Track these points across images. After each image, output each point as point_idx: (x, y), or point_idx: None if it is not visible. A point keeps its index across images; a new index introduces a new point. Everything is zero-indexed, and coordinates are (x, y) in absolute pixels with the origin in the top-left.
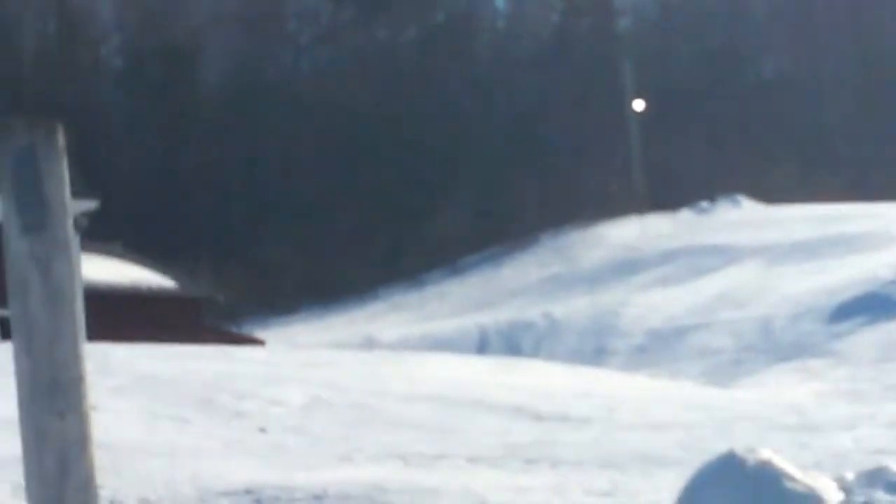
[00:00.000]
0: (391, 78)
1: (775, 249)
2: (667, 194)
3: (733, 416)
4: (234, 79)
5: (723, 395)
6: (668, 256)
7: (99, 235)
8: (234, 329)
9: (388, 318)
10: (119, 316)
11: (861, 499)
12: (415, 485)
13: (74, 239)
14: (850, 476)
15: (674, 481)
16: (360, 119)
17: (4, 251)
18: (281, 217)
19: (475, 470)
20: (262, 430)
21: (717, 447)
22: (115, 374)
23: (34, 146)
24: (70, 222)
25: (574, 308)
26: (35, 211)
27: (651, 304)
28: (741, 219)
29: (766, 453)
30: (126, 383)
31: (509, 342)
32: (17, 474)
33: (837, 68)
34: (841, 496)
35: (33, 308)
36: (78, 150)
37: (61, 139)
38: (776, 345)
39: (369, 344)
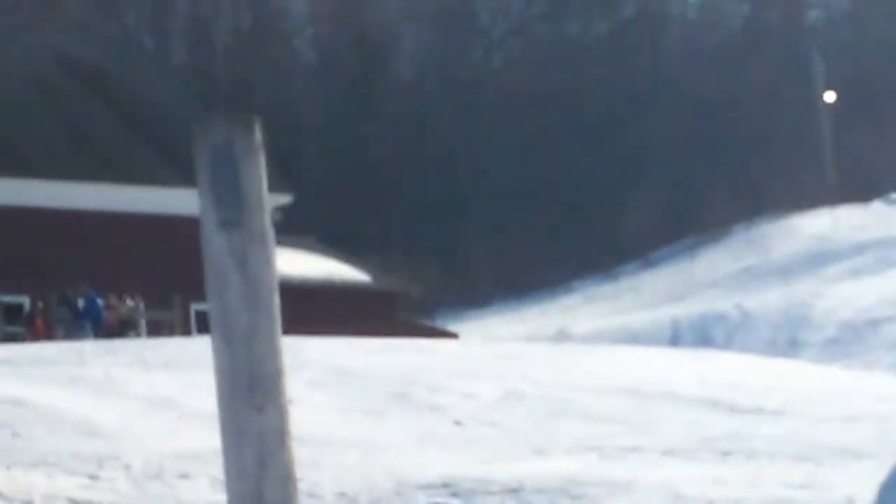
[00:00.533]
0: (581, 71)
1: None
2: (858, 186)
3: None
4: (426, 72)
5: None
6: (860, 248)
7: (293, 229)
8: (428, 322)
9: (582, 310)
10: (313, 310)
11: None
12: (610, 478)
13: (271, 234)
14: None
15: (870, 474)
16: (550, 112)
17: (203, 247)
18: (474, 210)
19: (669, 462)
20: (457, 423)
21: None
22: (311, 368)
23: (232, 141)
24: (268, 217)
25: (766, 300)
26: (233, 206)
27: (844, 296)
28: None
29: None
30: (322, 377)
31: (702, 334)
32: (215, 468)
33: None
34: None
35: (232, 303)
36: (271, 144)
37: (258, 134)
38: None
39: (563, 336)
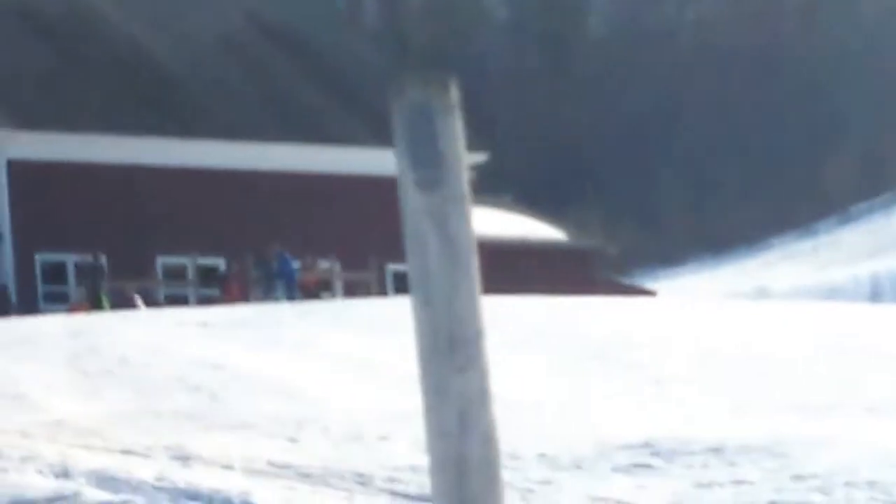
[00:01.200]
0: (776, 26)
1: None
2: None
3: None
4: (618, 29)
5: None
6: None
7: (488, 188)
8: (625, 280)
9: (781, 267)
10: (510, 268)
11: None
12: (812, 436)
13: (468, 193)
14: None
15: None
16: (745, 67)
17: (402, 207)
18: (669, 168)
19: (873, 420)
20: (656, 381)
21: None
22: (510, 328)
23: (428, 102)
24: (465, 177)
25: None
26: (431, 166)
27: None
28: None
29: None
30: (520, 337)
31: None
32: (415, 429)
33: None
34: None
35: (431, 264)
36: (466, 103)
37: (455, 95)
38: None
39: (762, 294)
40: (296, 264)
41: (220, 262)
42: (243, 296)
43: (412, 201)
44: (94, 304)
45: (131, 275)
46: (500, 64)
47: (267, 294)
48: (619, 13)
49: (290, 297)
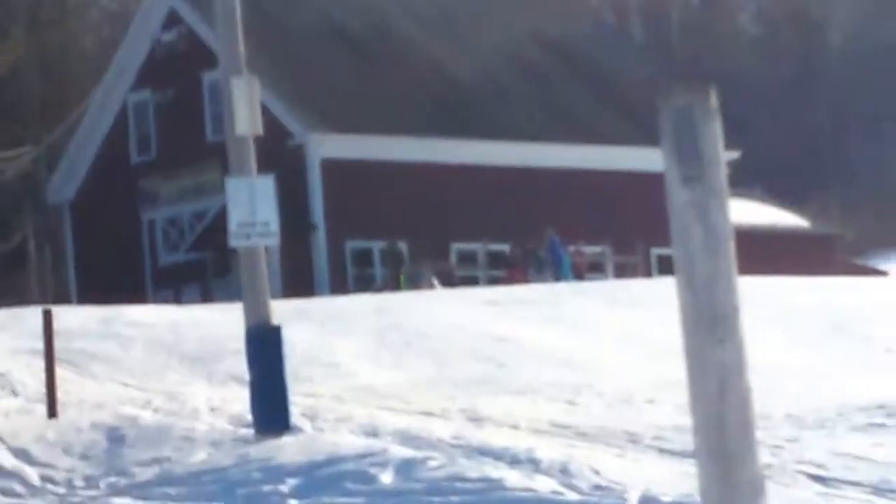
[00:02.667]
0: None
1: None
2: None
3: None
4: (858, 41)
5: None
6: None
7: (742, 182)
8: (861, 262)
9: None
10: (761, 253)
11: None
12: None
13: (726, 188)
14: None
15: None
16: None
17: (668, 200)
18: None
19: None
20: (888, 350)
21: None
22: (761, 304)
23: (692, 107)
24: (723, 173)
25: None
26: (693, 164)
27: None
28: None
29: None
30: (770, 313)
31: None
32: (678, 395)
33: None
34: None
35: (693, 251)
36: (722, 108)
37: (714, 100)
38: None
39: None
40: (568, 249)
41: (505, 248)
42: (525, 278)
43: (677, 195)
44: (396, 286)
45: (430, 260)
46: (753, 73)
47: (539, 275)
48: (859, 26)
49: (558, 278)
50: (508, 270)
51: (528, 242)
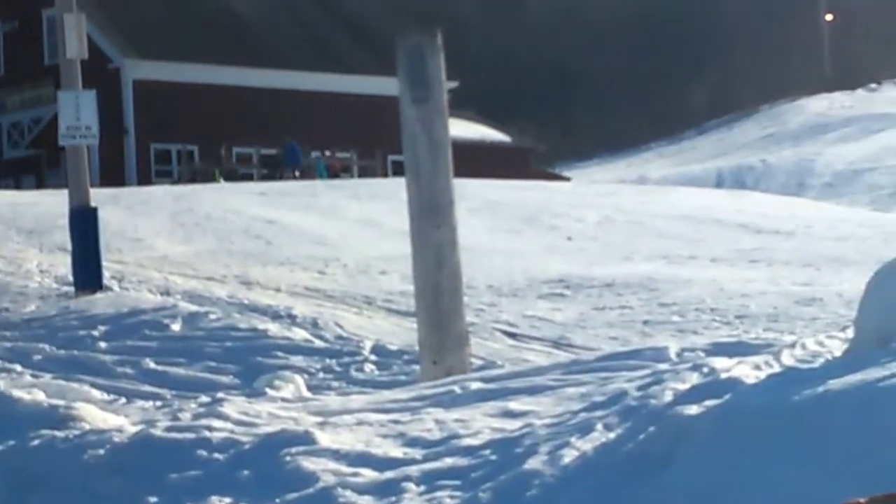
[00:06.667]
0: None
1: None
2: (848, 78)
3: (894, 232)
4: None
5: (886, 217)
6: (848, 121)
7: (459, 105)
8: (550, 170)
9: (655, 163)
10: (472, 160)
11: None
12: (675, 276)
13: (446, 108)
14: None
15: (853, 276)
16: (646, 20)
17: (401, 117)
18: (584, 89)
19: (716, 267)
20: (569, 238)
21: (883, 253)
22: (470, 200)
23: (422, 44)
24: (444, 96)
25: (783, 157)
26: (422, 88)
27: (836, 154)
28: None
29: None
30: (477, 206)
31: (738, 180)
32: (405, 266)
33: None
34: None
35: (419, 155)
36: (448, 47)
37: (439, 40)
38: None
39: (642, 180)
40: (324, 154)
41: (273, 152)
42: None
43: (408, 112)
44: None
45: (215, 160)
46: (474, 20)
47: (280, 175)
48: None
49: (294, 175)
50: (276, 169)
51: (280, 148)
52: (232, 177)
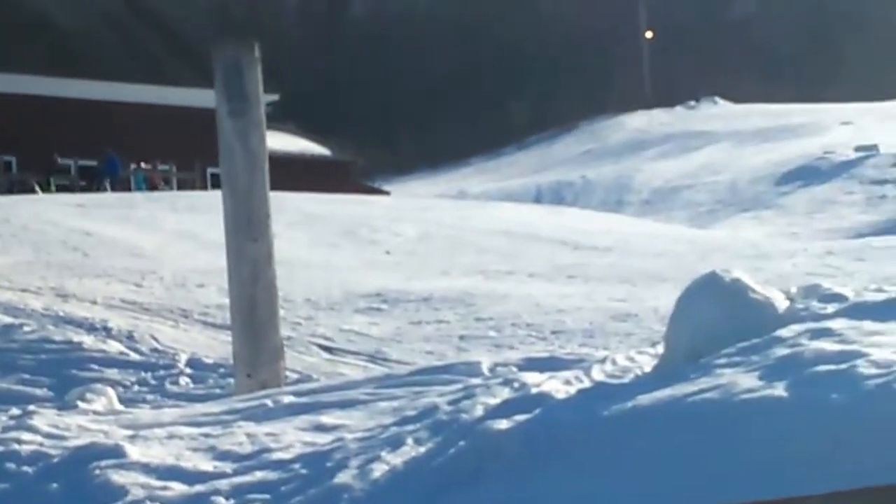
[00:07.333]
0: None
1: (741, 134)
2: (666, 96)
3: (710, 248)
4: (378, 12)
5: (702, 234)
6: (666, 138)
7: (279, 119)
8: (369, 184)
9: (475, 178)
10: (291, 174)
11: (801, 306)
12: (492, 291)
13: (264, 121)
14: (793, 290)
15: (669, 292)
16: (466, 35)
17: (217, 128)
18: (405, 104)
19: (533, 282)
20: (388, 252)
21: (698, 269)
22: (289, 214)
23: (239, 57)
24: (262, 109)
25: (602, 173)
26: (238, 101)
27: (654, 171)
28: (718, 113)
29: (737, 273)
30: (296, 220)
31: (557, 195)
32: (222, 280)
33: (789, 10)
34: (787, 304)
35: (236, 168)
36: (267, 59)
37: (257, 52)
38: (739, 200)
39: (461, 195)
40: (142, 166)
41: (94, 164)
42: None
43: (225, 125)
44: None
45: (34, 171)
46: (294, 34)
47: (98, 186)
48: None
49: (114, 187)
50: (94, 182)
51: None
52: (48, 188)
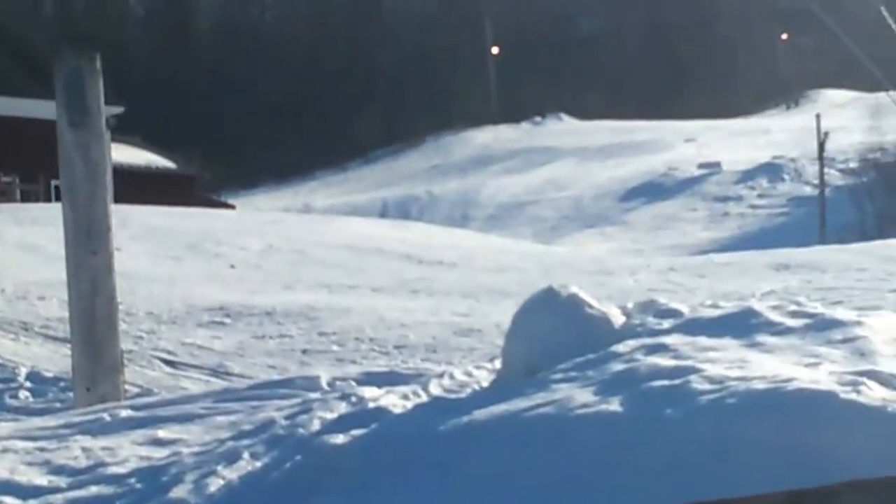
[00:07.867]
0: (328, 16)
1: (586, 151)
2: (512, 112)
3: (554, 264)
4: (223, 21)
5: (547, 250)
6: (512, 154)
7: (125, 131)
8: (215, 197)
9: (321, 191)
10: (136, 186)
11: (637, 321)
12: (336, 305)
13: (106, 132)
14: (630, 306)
15: (513, 307)
16: (314, 51)
17: (58, 140)
18: (251, 117)
19: (377, 296)
20: (232, 266)
21: (542, 284)
22: (132, 226)
23: (81, 68)
24: (103, 120)
25: (448, 188)
26: (79, 112)
27: (500, 186)
28: (563, 129)
29: (574, 288)
30: (139, 232)
31: (403, 210)
32: (64, 293)
33: (635, 28)
34: (623, 319)
35: (76, 179)
36: (112, 71)
37: (98, 63)
38: (584, 216)
39: (307, 209)
40: None
41: None
42: None
43: (66, 136)
44: None
45: None
46: (140, 46)
47: None
48: (221, 11)
49: None
50: None
51: None
52: None
